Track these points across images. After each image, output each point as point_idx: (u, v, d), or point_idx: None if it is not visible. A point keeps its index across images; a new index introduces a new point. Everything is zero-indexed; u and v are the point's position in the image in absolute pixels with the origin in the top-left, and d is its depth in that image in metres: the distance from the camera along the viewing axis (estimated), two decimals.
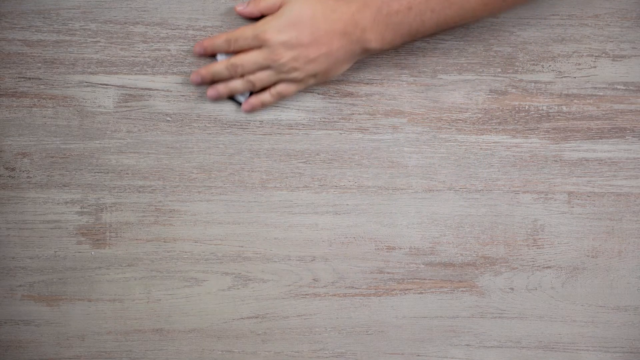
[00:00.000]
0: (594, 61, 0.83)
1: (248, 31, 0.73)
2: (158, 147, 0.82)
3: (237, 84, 0.76)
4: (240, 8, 0.76)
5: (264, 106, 0.78)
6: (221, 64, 0.75)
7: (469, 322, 0.84)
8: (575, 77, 0.83)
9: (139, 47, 0.80)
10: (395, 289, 0.84)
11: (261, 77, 0.75)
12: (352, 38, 0.71)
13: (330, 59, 0.72)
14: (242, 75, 0.75)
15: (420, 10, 0.69)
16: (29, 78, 0.81)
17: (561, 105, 0.83)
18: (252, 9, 0.76)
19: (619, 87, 0.83)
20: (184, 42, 0.81)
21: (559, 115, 0.83)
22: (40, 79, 0.81)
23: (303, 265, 0.84)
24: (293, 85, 0.75)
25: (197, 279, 0.83)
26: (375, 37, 0.71)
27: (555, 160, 0.83)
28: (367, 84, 0.82)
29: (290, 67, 0.73)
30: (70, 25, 0.79)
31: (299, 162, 0.83)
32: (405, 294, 0.84)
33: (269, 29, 0.72)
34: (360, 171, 0.82)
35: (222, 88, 0.77)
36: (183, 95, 0.82)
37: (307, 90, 0.82)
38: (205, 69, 0.76)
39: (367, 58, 0.78)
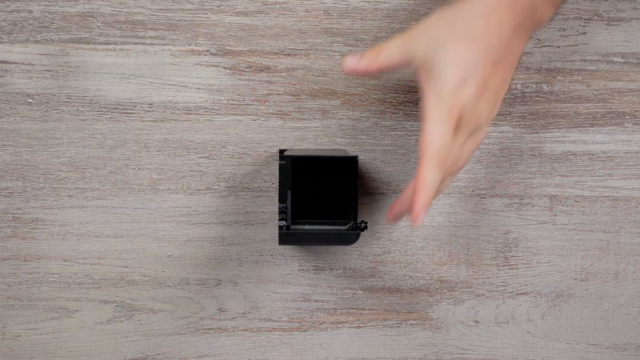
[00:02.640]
0: (583, 25, 0.77)
1: (459, 143, 0.64)
2: (17, 137, 0.76)
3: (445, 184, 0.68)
4: (352, 63, 0.67)
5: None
6: (438, 178, 0.63)
7: None
8: (558, 47, 0.77)
9: None
10: (325, 322, 0.78)
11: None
12: (528, 31, 0.66)
13: (516, 63, 0.66)
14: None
15: None
16: None
17: (541, 83, 0.77)
18: (370, 64, 0.67)
19: (615, 59, 0.77)
20: (50, 2, 0.75)
21: (537, 96, 0.77)
22: None
23: (205, 291, 0.78)
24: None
25: (67, 309, 0.77)
26: (546, 8, 0.66)
27: (533, 155, 0.78)
28: (289, 55, 0.76)
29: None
30: None
31: (200, 158, 0.77)
32: (338, 328, 0.78)
33: (478, 113, 0.64)
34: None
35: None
36: (49, 70, 0.76)
37: (210, 63, 0.76)
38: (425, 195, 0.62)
39: None
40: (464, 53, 0.63)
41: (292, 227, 0.67)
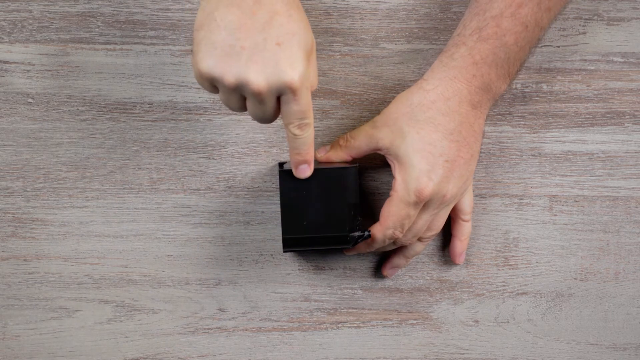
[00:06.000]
0: (583, 25, 0.77)
1: (427, 216, 0.71)
2: (17, 137, 0.76)
3: (418, 248, 0.76)
4: (322, 153, 0.74)
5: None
6: (385, 241, 0.72)
7: None
8: (558, 47, 0.77)
9: None
10: (324, 322, 0.79)
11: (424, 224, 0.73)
12: (486, 104, 0.70)
13: (480, 136, 0.71)
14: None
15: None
16: None
17: (540, 82, 0.78)
18: (338, 152, 0.74)
19: (615, 59, 0.77)
20: (50, 2, 0.75)
21: (537, 96, 0.78)
22: None
23: (205, 291, 0.78)
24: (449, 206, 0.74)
25: (67, 308, 0.78)
26: (501, 83, 0.70)
27: (533, 155, 0.78)
28: None
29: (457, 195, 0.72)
30: None
31: (200, 157, 0.77)
32: (338, 328, 0.79)
33: (448, 191, 0.69)
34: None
35: (403, 262, 0.77)
36: (49, 70, 0.76)
37: None
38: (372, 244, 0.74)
39: None
40: (427, 140, 0.67)
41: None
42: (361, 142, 0.71)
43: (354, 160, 0.73)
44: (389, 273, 0.77)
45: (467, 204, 0.74)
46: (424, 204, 0.68)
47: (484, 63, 0.67)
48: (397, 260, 0.75)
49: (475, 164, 0.70)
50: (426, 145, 0.67)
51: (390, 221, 0.69)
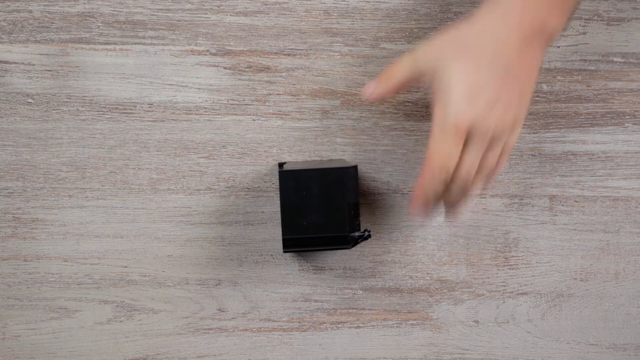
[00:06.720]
0: (584, 26, 0.77)
1: (472, 154, 0.66)
2: (17, 137, 0.76)
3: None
4: (369, 92, 0.69)
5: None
6: (435, 184, 0.67)
7: None
8: (558, 47, 0.77)
9: None
10: (325, 322, 0.78)
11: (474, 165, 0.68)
12: (539, 41, 0.67)
13: (532, 76, 0.67)
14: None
15: None
16: None
17: (541, 83, 0.77)
18: (385, 88, 0.69)
19: (615, 59, 0.77)
20: (50, 2, 0.75)
21: (537, 96, 0.77)
22: None
23: (205, 291, 0.78)
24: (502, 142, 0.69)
25: (67, 309, 0.78)
26: (556, 19, 0.66)
27: (533, 155, 0.78)
28: (289, 55, 0.76)
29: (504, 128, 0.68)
30: None
31: (200, 158, 0.77)
32: (338, 328, 0.78)
33: (490, 126, 0.65)
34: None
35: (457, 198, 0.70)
36: (49, 70, 0.76)
37: (210, 63, 0.77)
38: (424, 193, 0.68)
39: None
40: (470, 72, 0.64)
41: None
42: (404, 70, 0.68)
43: (353, 163, 0.73)
44: (451, 216, 0.72)
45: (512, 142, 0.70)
46: (465, 139, 0.66)
47: None
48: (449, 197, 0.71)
49: (525, 104, 0.67)
50: (469, 77, 0.65)
51: (435, 161, 0.65)
